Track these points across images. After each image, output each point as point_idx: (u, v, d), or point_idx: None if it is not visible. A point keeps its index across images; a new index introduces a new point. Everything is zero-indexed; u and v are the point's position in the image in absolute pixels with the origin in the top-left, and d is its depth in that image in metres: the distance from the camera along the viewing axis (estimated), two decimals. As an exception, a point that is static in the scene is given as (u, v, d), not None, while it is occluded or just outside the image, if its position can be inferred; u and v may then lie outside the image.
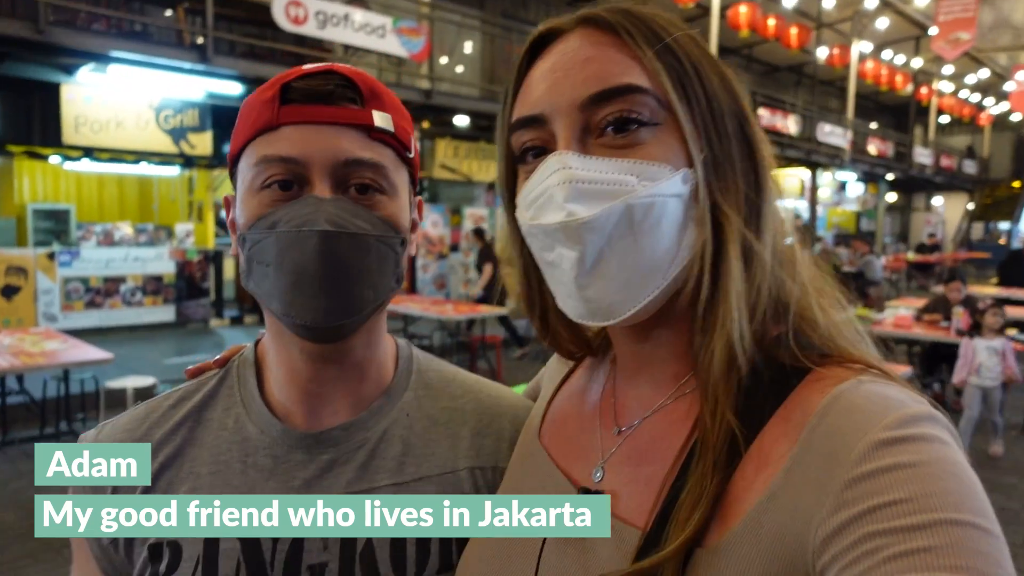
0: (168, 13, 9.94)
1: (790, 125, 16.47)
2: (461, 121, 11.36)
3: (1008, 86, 19.02)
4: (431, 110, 10.57)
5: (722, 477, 0.56)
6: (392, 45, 8.93)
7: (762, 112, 16.10)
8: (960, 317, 6.39)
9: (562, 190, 0.60)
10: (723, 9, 13.79)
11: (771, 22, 13.63)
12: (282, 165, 0.72)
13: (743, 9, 13.01)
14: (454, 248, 12.20)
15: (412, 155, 0.81)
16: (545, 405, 0.85)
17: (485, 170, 13.46)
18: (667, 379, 0.69)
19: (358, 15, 8.47)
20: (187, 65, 7.88)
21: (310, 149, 0.72)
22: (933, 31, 12.78)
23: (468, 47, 13.51)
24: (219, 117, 10.11)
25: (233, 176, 0.80)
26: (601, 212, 0.59)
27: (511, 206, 0.73)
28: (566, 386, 0.86)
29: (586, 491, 0.68)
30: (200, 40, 8.40)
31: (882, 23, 15.19)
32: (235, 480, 0.78)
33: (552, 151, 0.65)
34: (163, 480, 0.79)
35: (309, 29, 8.06)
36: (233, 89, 8.87)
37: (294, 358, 0.79)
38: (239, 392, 0.84)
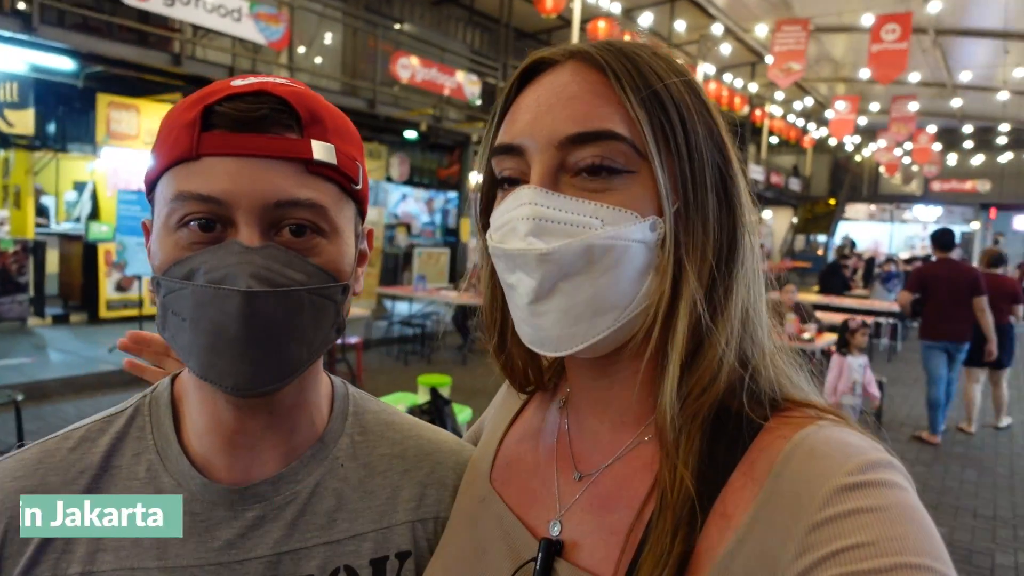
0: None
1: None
2: (321, 114, 10.97)
3: (828, 114, 21.17)
4: (289, 101, 10.14)
5: (686, 534, 0.56)
6: (248, 30, 8.46)
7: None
8: (792, 323, 6.83)
9: (525, 224, 0.62)
10: (583, 23, 14.31)
11: (627, 38, 14.30)
12: (202, 204, 0.62)
13: (602, 24, 13.55)
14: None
15: (359, 187, 0.72)
16: (496, 445, 0.82)
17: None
18: (627, 422, 0.69)
19: (210, -6, 7.97)
20: (6, 33, 7.05)
21: (235, 187, 0.62)
22: (769, 59, 13.99)
23: (328, 38, 13.09)
24: (45, 94, 9.10)
25: (151, 200, 0.69)
26: (559, 247, 0.60)
27: (483, 223, 0.74)
28: (517, 426, 0.84)
29: (547, 541, 0.66)
30: (23, 6, 7.55)
31: (725, 48, 16.41)
32: (146, 540, 0.67)
33: (525, 181, 0.65)
34: (59, 539, 0.67)
35: (154, 5, 7.45)
36: (63, 64, 8.04)
37: (218, 407, 0.70)
38: (152, 436, 0.73)
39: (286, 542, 0.72)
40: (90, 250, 9.85)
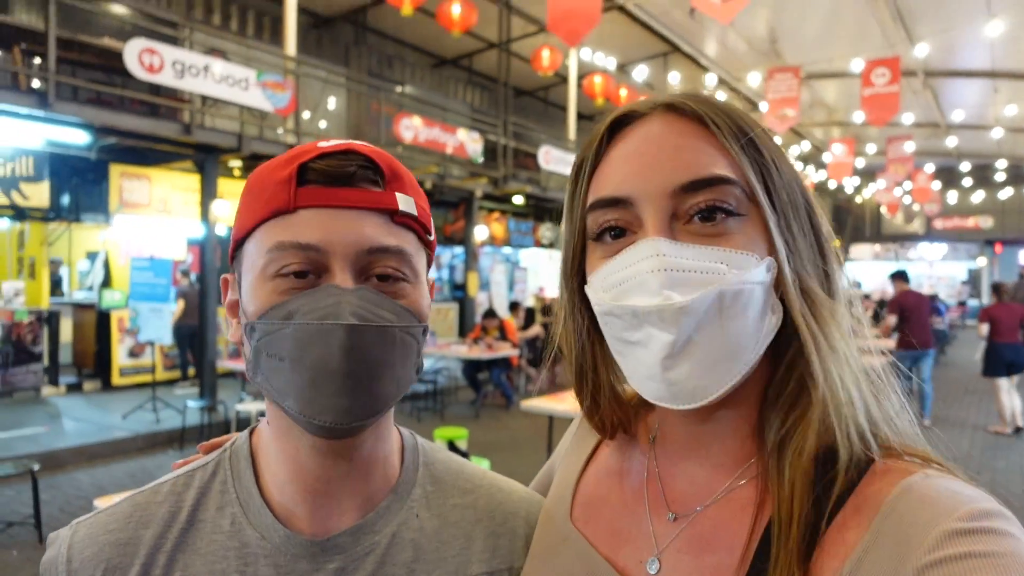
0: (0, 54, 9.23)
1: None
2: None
3: (826, 157, 21.45)
4: (296, 165, 10.36)
5: (805, 568, 0.56)
6: (256, 98, 8.73)
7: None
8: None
9: (656, 277, 0.61)
10: (579, 78, 14.68)
11: (623, 92, 14.67)
12: (300, 253, 0.66)
13: (598, 79, 13.92)
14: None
15: (432, 237, 0.77)
16: (574, 485, 0.82)
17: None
18: (727, 462, 0.68)
19: (218, 66, 8.25)
20: (24, 111, 7.30)
21: (331, 236, 0.66)
22: (763, 107, 14.28)
23: (332, 103, 13.48)
24: (59, 166, 9.37)
25: (235, 258, 0.73)
26: (697, 298, 0.60)
27: (573, 280, 0.73)
28: (594, 464, 0.83)
29: None
30: (39, 84, 7.84)
31: (720, 97, 16.76)
32: None
33: (633, 232, 0.65)
34: None
35: (165, 79, 7.71)
36: (77, 137, 8.28)
37: (301, 454, 0.72)
38: (235, 489, 0.75)
39: None
40: (103, 318, 9.97)
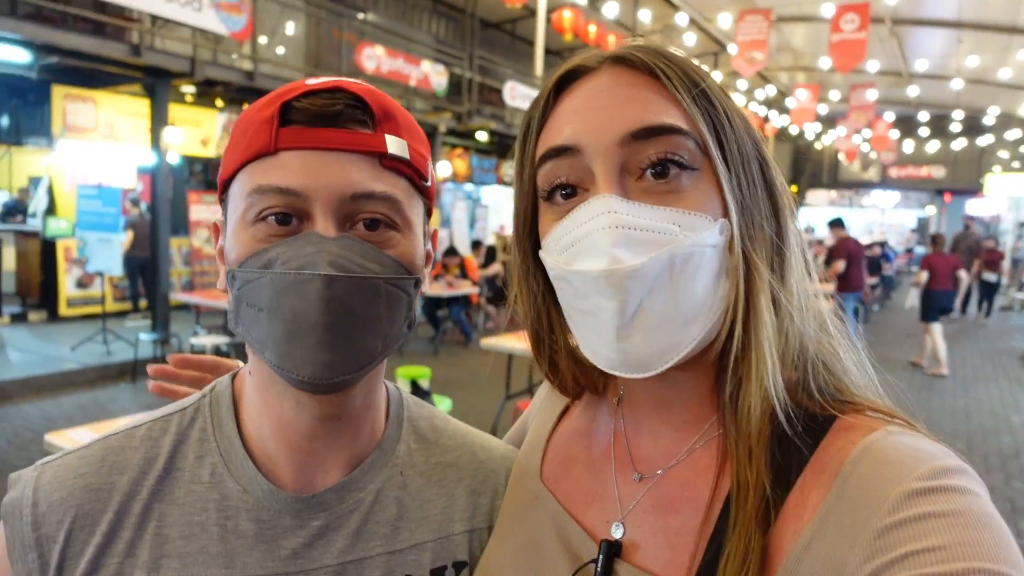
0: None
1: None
2: (285, 106, 10.81)
3: (789, 102, 21.51)
4: (254, 93, 9.97)
5: (764, 531, 0.56)
6: (210, 20, 8.29)
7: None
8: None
9: (607, 235, 0.59)
10: (548, 12, 14.30)
11: (592, 28, 14.35)
12: (280, 197, 0.63)
13: (567, 14, 13.58)
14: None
15: (428, 183, 0.73)
16: (544, 443, 0.82)
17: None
18: (688, 423, 0.68)
19: (169, -17, 7.79)
20: (-44, 23, 6.82)
21: (313, 180, 0.63)
22: (732, 49, 14.16)
23: (291, 28, 12.91)
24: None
25: (223, 201, 0.69)
26: (648, 261, 0.58)
27: (526, 243, 0.71)
28: (564, 424, 0.83)
29: (608, 543, 0.66)
30: (-28, -5, 7.31)
31: (689, 38, 16.55)
32: (212, 547, 0.67)
33: (585, 192, 0.63)
34: (120, 541, 0.66)
35: (111, -6, 7.27)
36: (17, 56, 7.79)
37: (285, 410, 0.69)
38: (215, 438, 0.72)
39: (351, 551, 0.71)
40: (48, 247, 9.61)
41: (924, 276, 9.33)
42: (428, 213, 0.75)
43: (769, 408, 0.60)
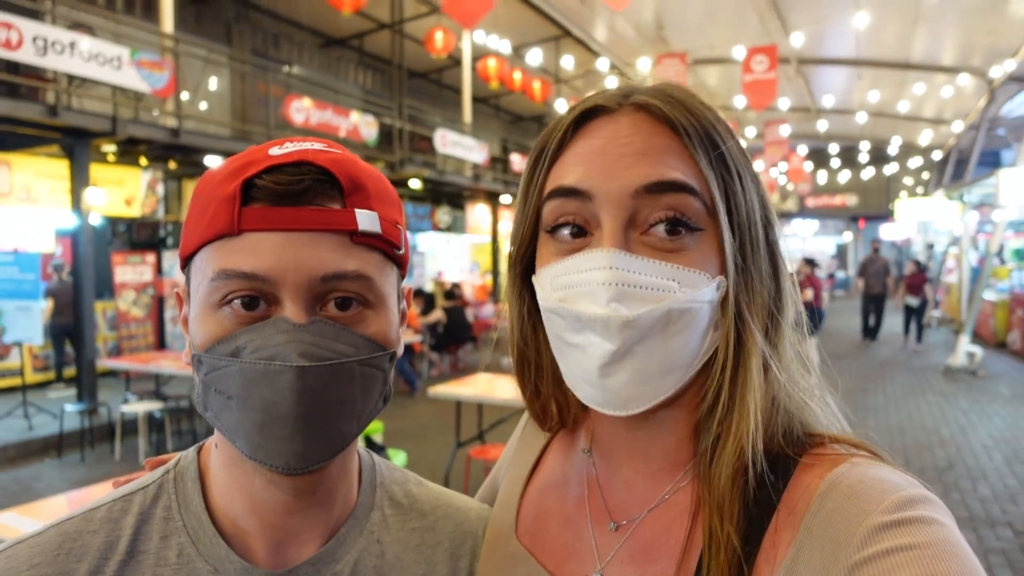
0: None
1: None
2: (213, 162, 10.63)
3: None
4: (179, 150, 9.77)
5: None
6: (130, 78, 8.11)
7: (514, 157, 17.23)
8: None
9: (607, 290, 0.60)
10: (474, 61, 14.61)
11: (517, 76, 14.71)
12: (245, 282, 0.60)
13: (492, 63, 13.89)
14: (209, 297, 11.20)
15: (402, 251, 0.70)
16: (518, 500, 0.80)
17: (241, 213, 12.63)
18: (663, 470, 0.68)
19: (86, 43, 7.60)
20: None
21: (280, 263, 0.59)
22: (651, 91, 14.67)
23: (214, 83, 12.76)
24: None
25: (186, 271, 0.66)
26: (644, 312, 0.59)
27: (519, 266, 0.71)
28: (537, 477, 0.82)
29: None
30: None
31: (611, 82, 17.12)
32: None
33: (590, 232, 0.63)
34: None
35: (26, 55, 7.03)
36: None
37: (257, 488, 0.65)
38: (181, 516, 0.67)
39: None
40: (-39, 318, 9.05)
41: (809, 294, 10.55)
42: (402, 274, 0.73)
43: (743, 466, 0.61)
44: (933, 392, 9.67)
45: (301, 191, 0.61)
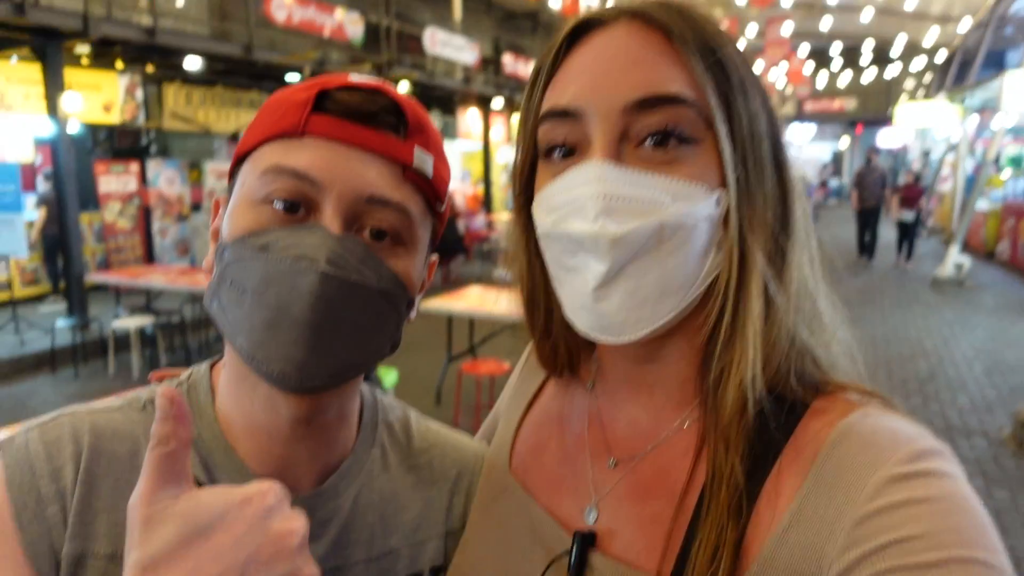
0: None
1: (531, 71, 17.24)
2: (192, 64, 10.18)
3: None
4: (155, 51, 9.34)
5: (737, 522, 0.55)
6: (99, -26, 7.66)
7: (507, 58, 16.61)
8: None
9: (595, 203, 0.58)
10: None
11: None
12: (294, 181, 0.61)
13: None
14: (196, 207, 11.04)
15: (443, 209, 0.72)
16: (513, 433, 0.80)
17: (225, 119, 12.29)
18: (668, 407, 0.66)
19: (50, -66, 7.11)
20: None
21: (332, 171, 0.61)
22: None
23: (191, -23, 12.07)
24: None
25: (232, 177, 0.68)
26: (632, 229, 0.57)
27: (522, 197, 0.69)
28: (535, 410, 0.81)
29: (581, 535, 0.64)
30: None
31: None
32: None
33: (582, 152, 0.61)
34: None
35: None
36: None
37: (256, 408, 0.66)
38: (196, 426, 0.69)
39: (331, 559, 0.69)
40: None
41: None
42: (435, 239, 0.74)
43: (745, 402, 0.59)
44: (920, 304, 9.81)
45: (370, 113, 0.63)
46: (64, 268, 8.48)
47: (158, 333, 7.01)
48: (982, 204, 13.66)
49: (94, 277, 8.28)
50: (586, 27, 0.64)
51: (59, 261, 9.50)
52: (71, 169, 8.13)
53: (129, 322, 6.67)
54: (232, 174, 0.68)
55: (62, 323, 7.13)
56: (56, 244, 9.11)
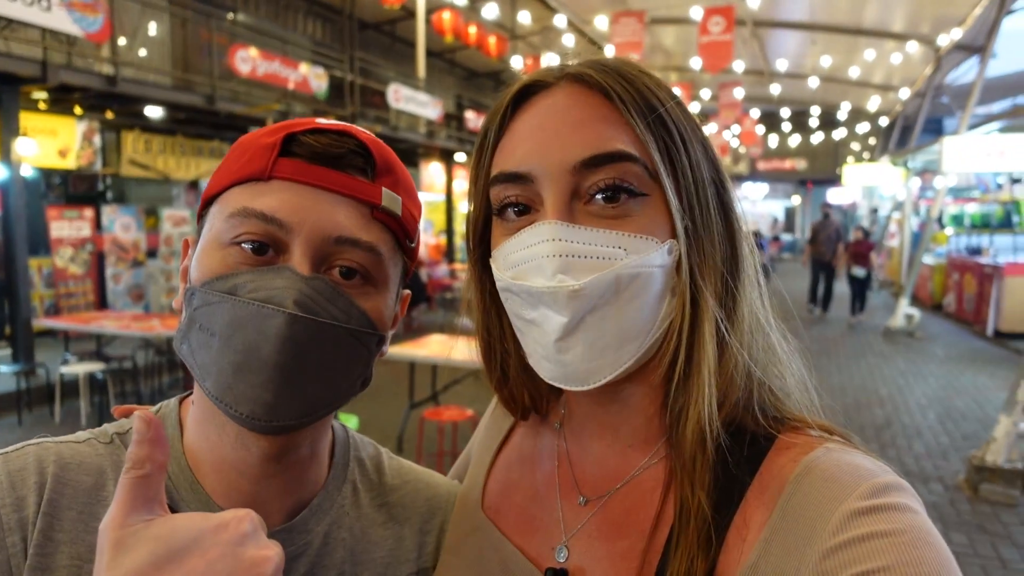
0: None
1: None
2: (153, 112, 10.14)
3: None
4: (116, 99, 9.29)
5: (707, 554, 0.56)
6: (61, 21, 7.62)
7: (469, 114, 16.95)
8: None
9: (552, 262, 0.59)
10: (428, 13, 14.20)
11: (472, 30, 14.38)
12: (261, 224, 0.61)
13: (447, 15, 13.53)
14: (151, 254, 10.82)
15: (413, 244, 0.72)
16: (486, 472, 0.80)
17: (185, 167, 12.20)
18: (634, 444, 0.67)
19: (12, -19, 7.08)
20: None
21: (299, 214, 0.61)
22: (609, 50, 14.58)
23: (153, 29, 12.11)
24: None
25: (201, 219, 0.68)
26: (591, 281, 0.59)
27: (477, 251, 0.71)
28: (506, 451, 0.82)
29: (553, 571, 0.65)
30: None
31: (568, 39, 16.93)
32: None
33: (535, 209, 0.63)
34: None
35: (-58, -7, 6.54)
36: None
37: (225, 444, 0.64)
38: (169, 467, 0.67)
39: None
40: None
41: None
42: (406, 275, 0.74)
43: (704, 437, 0.60)
44: (873, 353, 10.05)
45: (337, 155, 0.64)
46: (10, 313, 8.17)
47: (109, 379, 6.76)
48: (928, 259, 14.23)
49: (43, 322, 7.99)
50: (530, 90, 0.66)
51: (5, 306, 9.18)
52: (21, 214, 7.92)
53: (78, 368, 6.44)
54: (201, 216, 0.69)
55: (5, 369, 6.83)
56: (2, 289, 8.81)
